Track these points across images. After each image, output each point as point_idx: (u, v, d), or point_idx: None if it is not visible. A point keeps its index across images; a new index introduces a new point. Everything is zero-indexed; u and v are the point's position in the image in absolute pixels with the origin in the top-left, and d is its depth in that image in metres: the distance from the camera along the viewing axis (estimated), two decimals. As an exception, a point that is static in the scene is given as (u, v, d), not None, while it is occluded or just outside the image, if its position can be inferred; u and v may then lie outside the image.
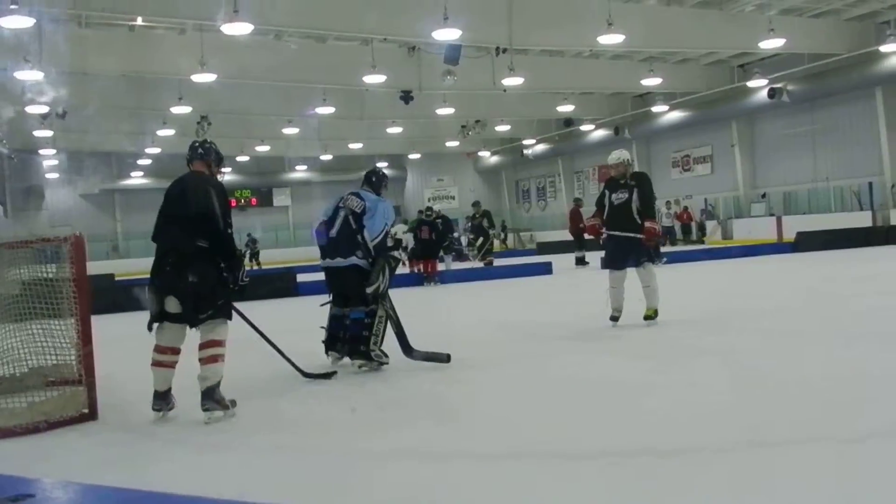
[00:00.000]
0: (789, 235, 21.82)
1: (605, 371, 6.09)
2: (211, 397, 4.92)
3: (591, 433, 4.32)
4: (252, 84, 23.38)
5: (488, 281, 16.46)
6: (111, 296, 14.28)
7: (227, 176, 41.44)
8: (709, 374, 5.66)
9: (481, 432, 4.49)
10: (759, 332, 7.39)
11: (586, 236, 19.99)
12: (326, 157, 38.15)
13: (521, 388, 5.65)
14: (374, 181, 6.95)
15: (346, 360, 6.65)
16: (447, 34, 17.21)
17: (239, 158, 37.74)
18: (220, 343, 5.02)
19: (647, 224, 7.79)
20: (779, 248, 20.25)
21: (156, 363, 5.09)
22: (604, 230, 8.14)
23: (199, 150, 5.41)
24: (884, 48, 20.92)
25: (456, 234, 24.61)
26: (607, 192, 8.16)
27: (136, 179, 38.68)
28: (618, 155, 8.20)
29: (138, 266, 31.85)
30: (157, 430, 4.96)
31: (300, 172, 41.18)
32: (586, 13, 18.69)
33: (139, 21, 18.27)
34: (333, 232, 6.65)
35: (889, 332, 6.85)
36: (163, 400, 5.08)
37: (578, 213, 19.71)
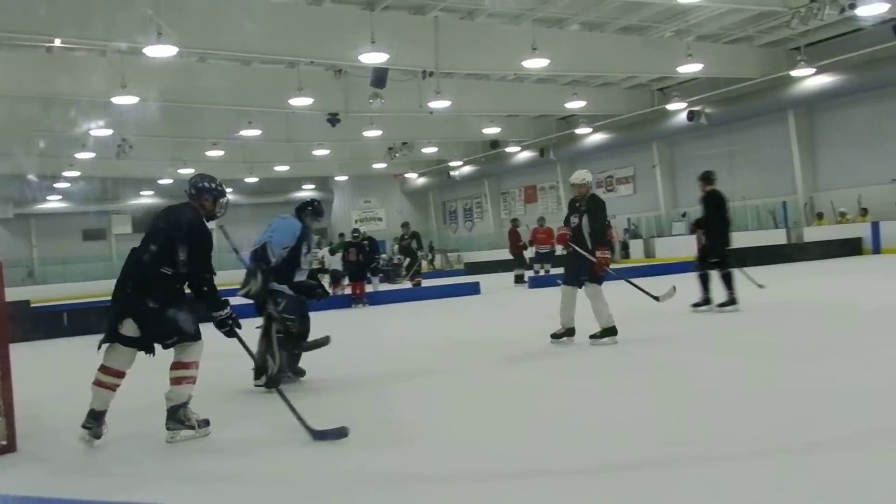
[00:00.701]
0: (709, 253, 22.39)
1: (544, 388, 6.16)
2: (173, 417, 4.96)
3: (543, 450, 4.34)
4: (175, 106, 23.00)
5: (417, 302, 16.49)
6: (27, 323, 13.79)
7: (148, 199, 40.60)
8: (649, 390, 5.78)
9: (435, 453, 4.47)
10: (694, 348, 7.61)
11: (526, 252, 20.38)
12: (252, 180, 37.72)
13: (462, 407, 5.65)
14: (298, 208, 7.09)
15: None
16: (374, 58, 17.30)
17: (161, 181, 37.04)
18: (187, 366, 5.03)
19: (598, 254, 7.77)
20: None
21: (97, 382, 4.97)
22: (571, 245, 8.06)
23: (192, 191, 5.38)
24: (795, 73, 21.81)
25: (384, 256, 24.59)
26: (567, 213, 8.25)
27: (54, 203, 37.62)
28: (582, 176, 8.14)
29: (56, 292, 30.97)
30: (79, 460, 4.80)
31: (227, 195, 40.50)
32: (511, 38, 19.07)
33: (57, 43, 17.81)
34: None
35: (815, 346, 7.12)
36: (95, 420, 4.92)
37: (517, 233, 20.15)
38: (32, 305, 21.34)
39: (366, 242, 17.32)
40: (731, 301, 9.91)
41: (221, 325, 5.15)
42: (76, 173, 32.04)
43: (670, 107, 26.22)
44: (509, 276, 21.30)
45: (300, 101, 20.90)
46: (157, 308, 4.95)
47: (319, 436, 4.76)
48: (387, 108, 22.16)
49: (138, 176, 35.67)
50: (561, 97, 26.10)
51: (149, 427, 5.20)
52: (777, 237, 23.64)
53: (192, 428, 4.99)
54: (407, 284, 20.36)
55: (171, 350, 5.10)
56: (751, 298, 10.30)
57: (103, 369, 4.99)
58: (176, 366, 5.04)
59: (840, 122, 23.81)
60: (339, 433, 4.73)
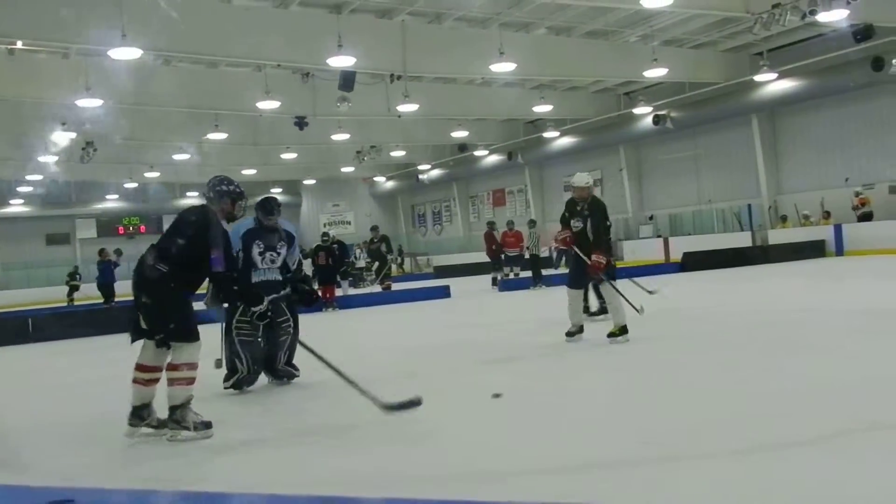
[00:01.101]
0: (676, 256, 22.68)
1: (522, 390, 6.14)
2: (170, 417, 5.04)
3: (523, 450, 4.37)
4: (141, 109, 22.80)
5: (387, 305, 16.47)
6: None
7: (113, 203, 40.08)
8: (628, 389, 5.87)
9: (421, 454, 4.49)
10: (673, 349, 7.70)
11: (510, 250, 20.59)
12: (219, 184, 37.47)
13: (446, 409, 5.59)
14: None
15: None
16: (341, 61, 17.28)
17: (127, 185, 36.70)
18: (177, 367, 5.09)
19: (594, 258, 7.87)
20: (666, 267, 20.97)
21: (133, 379, 5.15)
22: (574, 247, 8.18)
23: (210, 194, 5.51)
24: (758, 78, 22.12)
25: (351, 259, 24.52)
26: (566, 215, 8.29)
27: (16, 207, 37.02)
28: (585, 179, 8.21)
29: (19, 297, 30.52)
30: (53, 465, 4.74)
31: (191, 199, 40.21)
32: (479, 42, 19.13)
33: (19, 45, 17.56)
34: None
35: (791, 346, 7.24)
36: (137, 416, 5.10)
37: (492, 236, 20.37)
38: (-5, 311, 21.03)
39: (335, 246, 17.29)
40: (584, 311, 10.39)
41: (261, 318, 5.55)
42: (39, 177, 31.59)
43: (636, 111, 26.48)
44: (479, 280, 21.38)
45: (267, 105, 20.80)
46: (150, 304, 5.10)
47: (396, 408, 4.95)
48: (355, 112, 22.13)
49: (103, 180, 35.26)
50: (528, 101, 26.25)
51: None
52: (742, 240, 23.95)
53: (188, 429, 5.02)
54: (376, 288, 20.33)
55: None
56: (725, 301, 10.44)
57: (136, 366, 5.17)
58: (168, 367, 5.13)
59: (803, 125, 24.21)
60: (413, 403, 4.93)
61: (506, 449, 4.44)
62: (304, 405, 6.20)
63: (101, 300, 21.15)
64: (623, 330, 7.96)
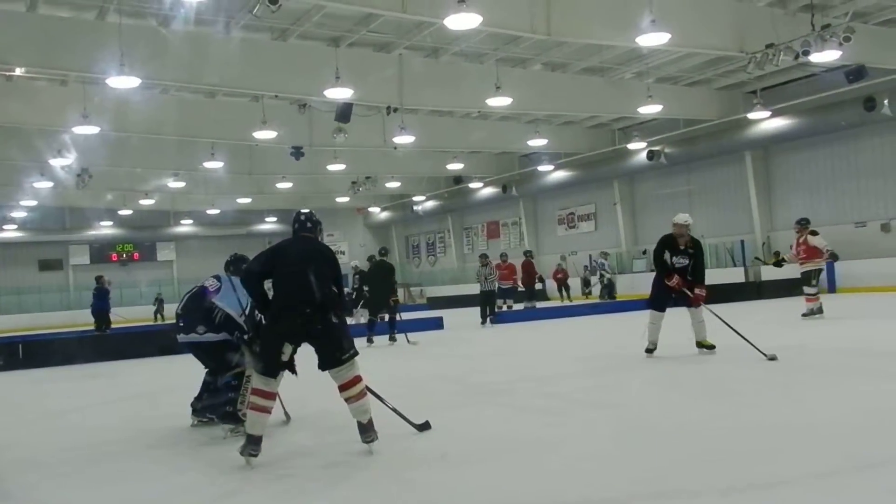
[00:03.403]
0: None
1: (496, 426, 6.15)
2: (372, 428, 5.35)
3: (506, 488, 4.36)
4: (138, 137, 22.85)
5: (378, 336, 16.36)
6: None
7: (107, 230, 40.11)
8: (598, 427, 5.83)
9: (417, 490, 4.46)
10: (658, 386, 7.71)
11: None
12: (213, 212, 37.51)
13: (432, 446, 5.59)
14: (233, 269, 6.82)
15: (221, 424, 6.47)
16: (339, 93, 17.39)
17: (121, 212, 36.73)
18: (353, 383, 5.37)
19: (697, 290, 9.17)
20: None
21: (263, 408, 5.25)
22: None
23: (308, 224, 5.79)
24: (751, 115, 22.32)
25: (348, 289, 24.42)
26: (668, 252, 9.24)
27: (9, 232, 36.97)
28: (689, 219, 9.33)
29: (11, 323, 30.35)
30: (34, 497, 4.72)
31: (185, 226, 40.25)
32: (475, 76, 19.31)
33: (18, 71, 17.66)
34: (179, 308, 6.70)
35: (774, 383, 7.23)
36: (258, 445, 5.16)
37: (531, 265, 20.67)
38: (-15, 337, 20.87)
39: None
40: None
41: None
42: (33, 202, 31.59)
43: (631, 146, 26.68)
44: (473, 311, 21.30)
45: (264, 135, 20.87)
46: (339, 324, 5.43)
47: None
48: (351, 143, 22.24)
49: (97, 206, 35.27)
50: (523, 135, 26.42)
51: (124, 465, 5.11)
52: (735, 275, 24.02)
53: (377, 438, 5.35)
54: (363, 319, 20.17)
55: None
56: (726, 341, 10.41)
57: (266, 394, 5.27)
58: (352, 382, 5.36)
59: (796, 163, 24.40)
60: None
61: (495, 486, 4.42)
62: (289, 439, 6.16)
63: (95, 326, 20.99)
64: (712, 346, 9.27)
